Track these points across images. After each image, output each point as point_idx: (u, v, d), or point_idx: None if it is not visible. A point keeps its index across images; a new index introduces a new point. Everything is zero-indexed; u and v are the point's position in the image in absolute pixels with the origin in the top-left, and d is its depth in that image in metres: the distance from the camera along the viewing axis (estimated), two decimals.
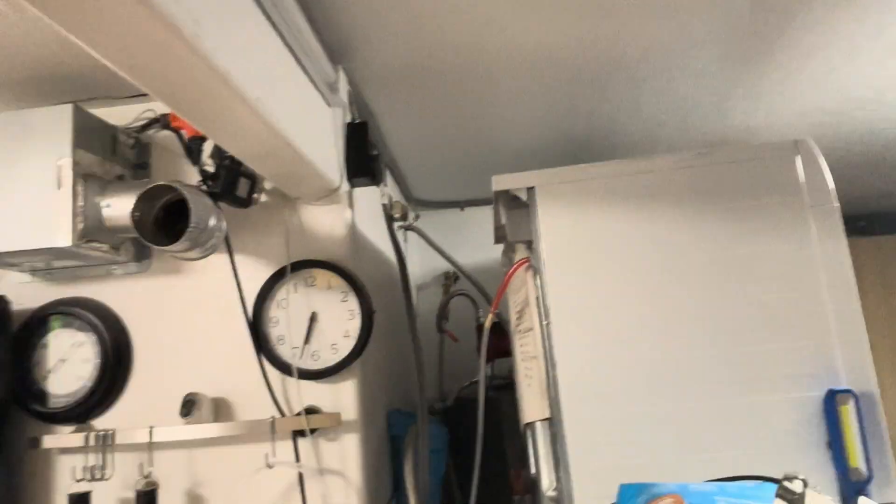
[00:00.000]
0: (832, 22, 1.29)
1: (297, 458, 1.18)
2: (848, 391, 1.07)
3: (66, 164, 1.09)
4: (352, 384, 1.23)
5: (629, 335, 1.15)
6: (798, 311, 1.12)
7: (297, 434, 1.18)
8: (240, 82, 0.76)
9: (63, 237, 1.07)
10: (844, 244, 1.15)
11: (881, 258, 3.06)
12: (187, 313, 1.27)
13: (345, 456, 1.20)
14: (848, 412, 1.06)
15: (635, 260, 1.18)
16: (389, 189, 1.80)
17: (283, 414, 1.20)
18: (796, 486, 0.69)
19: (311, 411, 1.18)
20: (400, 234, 1.59)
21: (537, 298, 1.22)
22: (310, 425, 1.16)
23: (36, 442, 1.19)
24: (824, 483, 1.05)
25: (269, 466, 1.15)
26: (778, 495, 0.70)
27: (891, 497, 1.03)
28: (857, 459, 1.05)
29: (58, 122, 1.11)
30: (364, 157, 1.30)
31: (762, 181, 1.18)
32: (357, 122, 1.33)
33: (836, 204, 1.17)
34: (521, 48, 1.31)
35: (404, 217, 1.63)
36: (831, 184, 1.17)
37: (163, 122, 1.25)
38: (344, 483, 1.19)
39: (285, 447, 1.18)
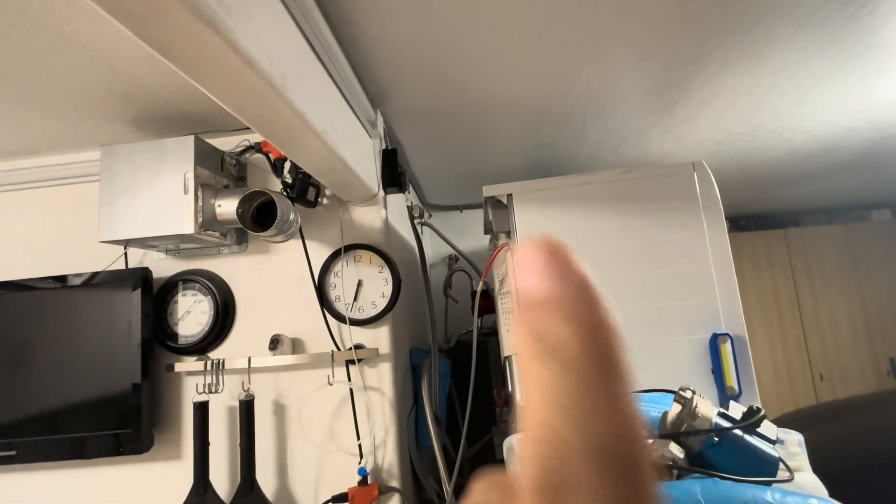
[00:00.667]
0: (720, 80, 1.29)
1: (349, 379, 1.19)
2: (726, 334, 1.10)
3: (190, 176, 1.11)
4: (386, 329, 1.24)
5: None
6: (693, 280, 1.14)
7: (349, 362, 1.20)
8: (311, 119, 0.77)
9: (188, 226, 1.09)
10: (725, 234, 1.16)
11: (754, 247, 3.07)
12: (273, 280, 1.27)
13: (381, 378, 1.22)
14: (726, 349, 1.09)
15: (582, 244, 1.19)
16: (411, 196, 1.80)
17: (338, 348, 1.21)
18: (688, 394, 0.70)
19: (358, 347, 1.21)
20: (418, 228, 1.60)
21: (514, 270, 1.23)
22: (357, 356, 1.18)
23: (171, 367, 1.22)
24: (709, 397, 1.08)
25: (330, 384, 1.17)
26: (675, 400, 0.71)
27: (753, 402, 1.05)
28: (731, 380, 1.07)
29: (184, 147, 1.12)
30: (394, 173, 1.31)
31: (670, 190, 1.19)
32: (389, 148, 1.33)
33: (720, 207, 1.18)
34: (505, 96, 1.30)
35: (421, 216, 1.64)
36: (717, 193, 1.19)
37: (256, 147, 1.25)
38: (380, 396, 1.21)
39: (340, 371, 1.20)
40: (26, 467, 1.23)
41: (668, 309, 1.13)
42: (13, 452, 1.15)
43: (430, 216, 2.17)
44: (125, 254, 1.28)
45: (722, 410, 0.70)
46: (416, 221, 1.58)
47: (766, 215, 3.25)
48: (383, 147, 1.32)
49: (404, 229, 1.58)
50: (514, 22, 0.96)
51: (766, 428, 0.67)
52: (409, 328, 1.53)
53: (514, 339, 1.22)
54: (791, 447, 0.77)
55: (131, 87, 1.05)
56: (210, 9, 0.49)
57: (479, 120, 1.46)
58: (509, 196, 1.24)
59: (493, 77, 1.19)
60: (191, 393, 1.22)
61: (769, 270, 3.04)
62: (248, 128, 1.28)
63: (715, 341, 1.09)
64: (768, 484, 0.58)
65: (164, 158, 1.12)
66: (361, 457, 1.16)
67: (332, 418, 1.20)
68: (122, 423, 1.15)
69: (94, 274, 1.22)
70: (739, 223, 3.24)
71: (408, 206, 1.50)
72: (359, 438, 1.17)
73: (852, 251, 3.02)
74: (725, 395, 1.06)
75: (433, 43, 1.01)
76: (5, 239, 1.36)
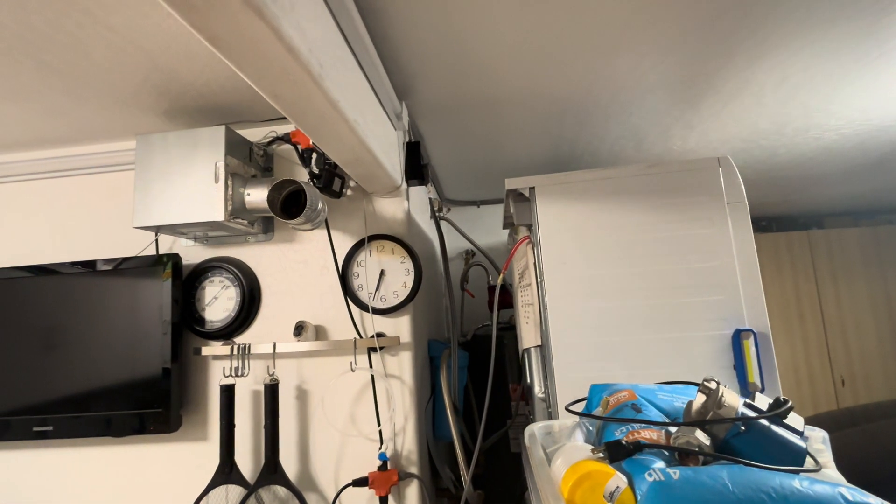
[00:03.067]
0: (748, 74, 1.28)
1: (371, 366, 1.22)
2: (749, 330, 1.09)
3: (221, 165, 1.14)
4: (407, 318, 1.26)
5: (599, 288, 1.16)
6: (716, 275, 1.13)
7: (371, 350, 1.22)
8: (344, 108, 0.79)
9: (218, 214, 1.12)
10: (750, 230, 1.15)
11: (776, 249, 3.02)
12: (298, 268, 1.30)
13: (402, 366, 1.24)
14: (749, 345, 1.08)
15: (603, 237, 1.19)
16: (432, 190, 1.82)
17: (361, 336, 1.23)
18: (712, 385, 0.70)
19: (379, 335, 1.23)
20: (438, 221, 1.61)
21: (534, 263, 1.24)
22: (379, 344, 1.21)
23: (198, 350, 1.25)
24: None
25: (353, 371, 1.20)
26: (700, 390, 0.71)
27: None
28: (754, 376, 1.06)
29: (216, 137, 1.15)
30: (417, 166, 1.31)
31: (694, 185, 1.19)
32: (413, 141, 1.34)
33: (746, 203, 1.17)
34: (527, 90, 1.31)
35: (440, 210, 1.66)
36: (742, 188, 1.18)
37: (284, 138, 1.28)
38: (401, 384, 1.23)
39: (362, 359, 1.22)
40: (62, 443, 1.28)
41: (690, 304, 1.13)
42: (50, 428, 1.20)
43: (449, 210, 2.18)
44: (156, 240, 1.32)
45: (748, 401, 0.70)
46: (436, 214, 1.60)
47: (788, 216, 3.19)
48: (407, 140, 1.34)
49: (425, 222, 1.60)
50: (539, 15, 0.97)
51: (794, 419, 0.67)
52: (427, 320, 1.54)
53: (533, 331, 1.23)
54: (815, 444, 0.76)
55: (167, 77, 1.09)
56: (308, 55, 0.51)
57: (501, 114, 1.47)
58: (532, 189, 1.25)
59: (516, 70, 1.19)
60: (217, 376, 1.26)
61: (791, 272, 2.99)
62: (276, 119, 1.32)
63: (738, 337, 1.09)
64: (795, 473, 0.59)
65: (196, 147, 1.15)
66: (382, 442, 1.19)
67: (353, 404, 1.22)
68: (152, 403, 1.19)
69: (125, 259, 1.26)
70: (761, 224, 3.19)
71: (430, 199, 1.52)
72: (379, 424, 1.19)
73: (880, 254, 2.95)
74: (748, 392, 1.05)
75: (459, 35, 1.02)
76: (42, 225, 1.41)
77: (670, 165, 1.21)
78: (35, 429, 1.21)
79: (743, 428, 0.64)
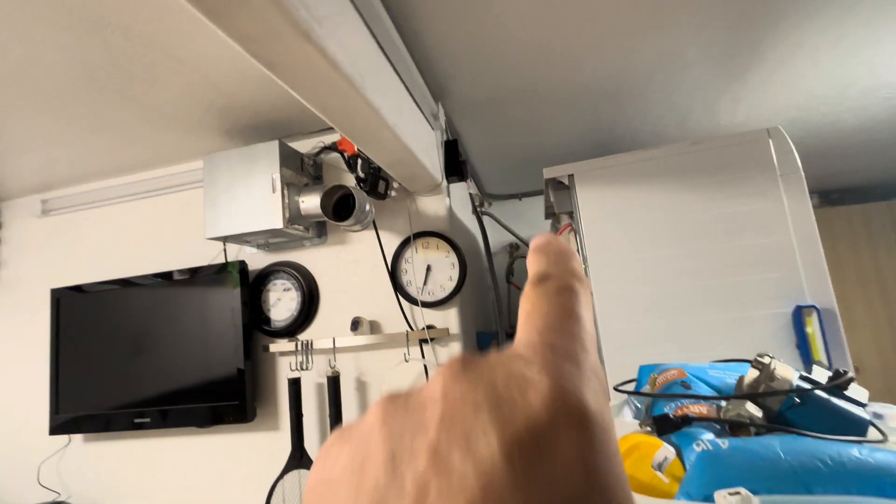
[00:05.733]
0: (798, 36, 1.21)
1: (423, 356, 1.28)
2: (812, 306, 1.05)
3: (277, 177, 1.24)
4: (454, 311, 1.31)
5: (647, 271, 1.15)
6: (772, 251, 1.10)
7: (422, 341, 1.28)
8: (386, 114, 0.86)
9: (277, 221, 1.22)
10: (808, 201, 1.10)
11: (850, 223, 2.79)
12: (351, 268, 1.39)
13: (452, 355, 1.29)
14: (812, 321, 1.04)
15: (649, 219, 1.18)
16: (471, 186, 1.86)
17: (412, 329, 1.29)
18: (766, 360, 0.69)
19: (429, 327, 1.29)
20: (480, 216, 1.64)
21: (578, 250, 1.26)
22: (429, 336, 1.27)
23: (266, 348, 1.37)
24: None
25: (406, 361, 1.27)
26: (752, 366, 0.70)
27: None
28: (819, 354, 1.02)
29: (271, 152, 1.25)
30: (455, 163, 1.36)
31: (743, 160, 1.15)
32: (450, 140, 1.39)
33: (801, 174, 1.12)
34: (563, 78, 1.32)
35: (482, 205, 1.70)
36: (797, 159, 1.13)
37: (331, 148, 1.37)
38: None
39: (414, 350, 1.29)
40: (157, 433, 1.45)
41: (746, 283, 1.10)
42: (147, 420, 1.36)
43: (490, 205, 2.21)
44: (224, 250, 1.46)
45: (804, 374, 0.69)
46: (477, 209, 1.64)
47: (862, 187, 2.93)
48: (444, 139, 1.39)
49: (467, 218, 1.64)
50: (563, 2, 0.98)
51: (856, 391, 0.65)
52: (474, 312, 1.58)
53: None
54: (891, 422, 0.73)
55: (227, 101, 1.21)
56: (307, 22, 0.58)
57: (537, 105, 1.48)
58: (570, 176, 1.26)
59: (550, 60, 1.21)
60: (285, 370, 1.37)
61: (869, 247, 2.75)
62: (323, 130, 1.41)
63: (798, 314, 1.05)
64: (856, 443, 0.58)
65: (254, 162, 1.26)
66: None
67: None
68: (229, 396, 1.32)
69: (200, 268, 1.41)
70: (830, 197, 2.95)
71: (471, 194, 1.56)
72: None
73: None
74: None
75: (487, 33, 1.06)
76: (127, 242, 1.60)
77: (715, 141, 1.18)
78: (135, 420, 1.38)
79: (798, 400, 0.64)
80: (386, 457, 0.11)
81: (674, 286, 1.13)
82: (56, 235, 1.67)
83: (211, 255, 1.46)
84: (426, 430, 0.11)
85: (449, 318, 1.31)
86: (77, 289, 1.51)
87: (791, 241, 1.09)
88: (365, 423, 0.13)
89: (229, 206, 1.27)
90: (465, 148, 1.79)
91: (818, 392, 0.64)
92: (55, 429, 1.45)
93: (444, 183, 1.36)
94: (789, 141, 1.13)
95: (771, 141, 1.14)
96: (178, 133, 1.36)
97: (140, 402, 1.39)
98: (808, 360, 1.03)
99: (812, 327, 1.03)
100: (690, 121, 1.69)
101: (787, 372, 0.67)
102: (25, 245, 1.70)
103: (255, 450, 1.38)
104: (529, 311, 0.15)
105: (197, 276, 1.40)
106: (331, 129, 1.38)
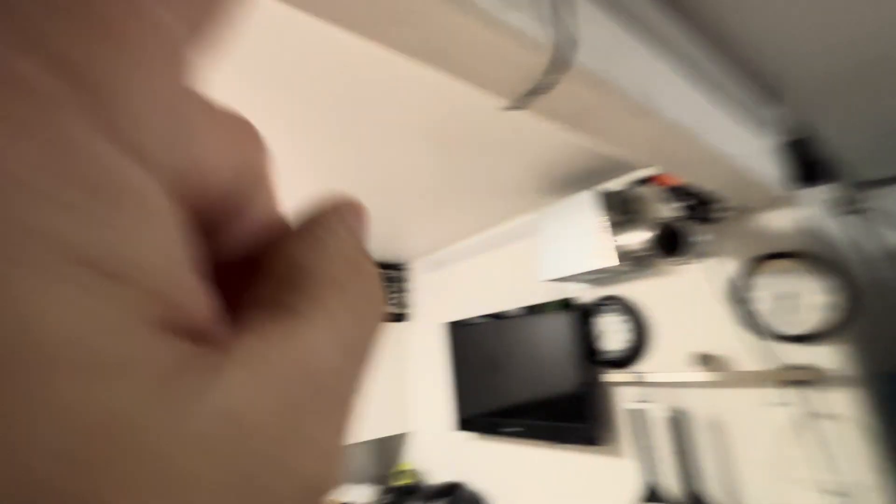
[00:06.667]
0: None
1: (789, 402, 1.08)
2: None
3: (604, 220, 1.35)
4: (835, 347, 1.06)
5: None
6: None
7: (789, 383, 1.08)
8: (711, 142, 0.83)
9: (612, 260, 1.31)
10: None
11: None
12: (680, 298, 1.34)
13: (842, 405, 1.03)
14: None
15: None
16: (835, 186, 1.46)
17: (767, 367, 1.11)
18: None
19: (797, 368, 1.08)
20: (852, 219, 1.27)
21: None
22: (798, 377, 1.06)
23: (602, 378, 1.47)
24: None
25: (772, 405, 1.10)
26: None
27: None
28: None
29: (591, 198, 1.39)
30: (806, 165, 1.15)
31: None
32: (794, 140, 1.17)
33: None
34: None
35: (853, 202, 1.31)
36: None
37: (644, 181, 1.39)
38: (840, 426, 1.02)
39: (775, 391, 1.11)
40: (526, 442, 1.74)
41: None
42: (521, 429, 1.68)
43: (871, 202, 1.66)
44: (558, 288, 1.68)
45: None
46: (848, 212, 1.28)
47: None
48: (789, 140, 1.18)
49: (836, 226, 1.31)
50: None
51: None
52: (876, 347, 1.22)
53: None
54: None
55: (545, 164, 1.43)
56: (647, 102, 0.66)
57: None
58: None
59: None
60: (622, 400, 1.43)
61: None
62: (630, 170, 1.45)
63: None
64: None
65: (578, 210, 1.43)
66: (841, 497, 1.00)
67: (779, 444, 1.11)
68: (578, 418, 1.48)
69: (544, 304, 1.67)
70: None
71: (833, 198, 1.25)
72: (825, 474, 1.02)
73: None
74: None
75: (824, 7, 0.86)
76: (483, 286, 2.05)
77: None
78: (503, 430, 1.73)
79: None
80: None
81: None
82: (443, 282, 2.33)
83: (545, 292, 1.69)
84: None
85: (827, 356, 1.07)
86: (460, 324, 2.05)
87: None
88: None
89: (560, 251, 1.46)
90: (828, 140, 1.43)
91: None
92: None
93: (792, 192, 1.14)
94: None
95: None
96: (508, 196, 1.69)
97: (516, 412, 1.71)
98: None
99: None
100: None
101: None
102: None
103: (599, 471, 1.48)
104: None
105: (542, 311, 1.67)
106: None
